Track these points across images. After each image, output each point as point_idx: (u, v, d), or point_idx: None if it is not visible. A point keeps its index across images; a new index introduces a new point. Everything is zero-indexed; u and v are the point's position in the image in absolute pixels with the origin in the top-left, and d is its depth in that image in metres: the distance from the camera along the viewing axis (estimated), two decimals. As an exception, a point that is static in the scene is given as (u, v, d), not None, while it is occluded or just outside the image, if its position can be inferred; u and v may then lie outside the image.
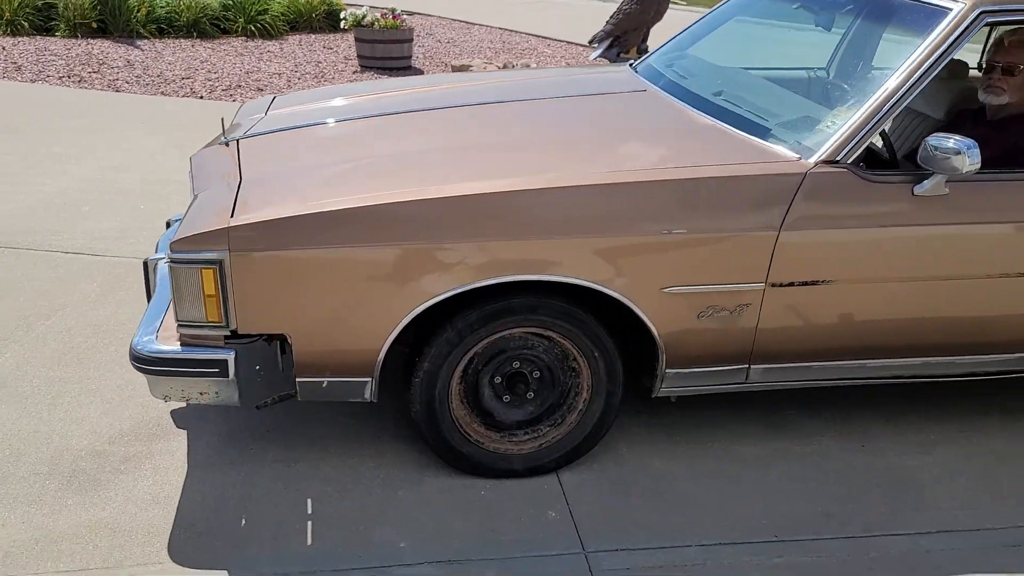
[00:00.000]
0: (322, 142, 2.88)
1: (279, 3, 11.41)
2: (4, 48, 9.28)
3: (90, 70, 8.61)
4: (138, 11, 10.36)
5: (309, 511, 2.47)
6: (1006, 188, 2.54)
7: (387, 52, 9.35)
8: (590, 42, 9.41)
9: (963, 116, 3.15)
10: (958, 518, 2.56)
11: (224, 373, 2.30)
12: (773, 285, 2.45)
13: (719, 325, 2.48)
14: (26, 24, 10.01)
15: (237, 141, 2.90)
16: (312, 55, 10.04)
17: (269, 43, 10.62)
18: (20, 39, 9.77)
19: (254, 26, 10.92)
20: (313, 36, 11.19)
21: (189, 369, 2.31)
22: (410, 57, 9.63)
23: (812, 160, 2.46)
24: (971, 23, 2.50)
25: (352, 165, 2.60)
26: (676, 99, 3.00)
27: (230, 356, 2.30)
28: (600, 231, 2.33)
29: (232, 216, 2.29)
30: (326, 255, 2.25)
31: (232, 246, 2.23)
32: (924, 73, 2.48)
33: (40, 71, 8.43)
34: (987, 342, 2.69)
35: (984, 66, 3.03)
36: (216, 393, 2.35)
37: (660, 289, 2.40)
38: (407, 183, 2.39)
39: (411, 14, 14.25)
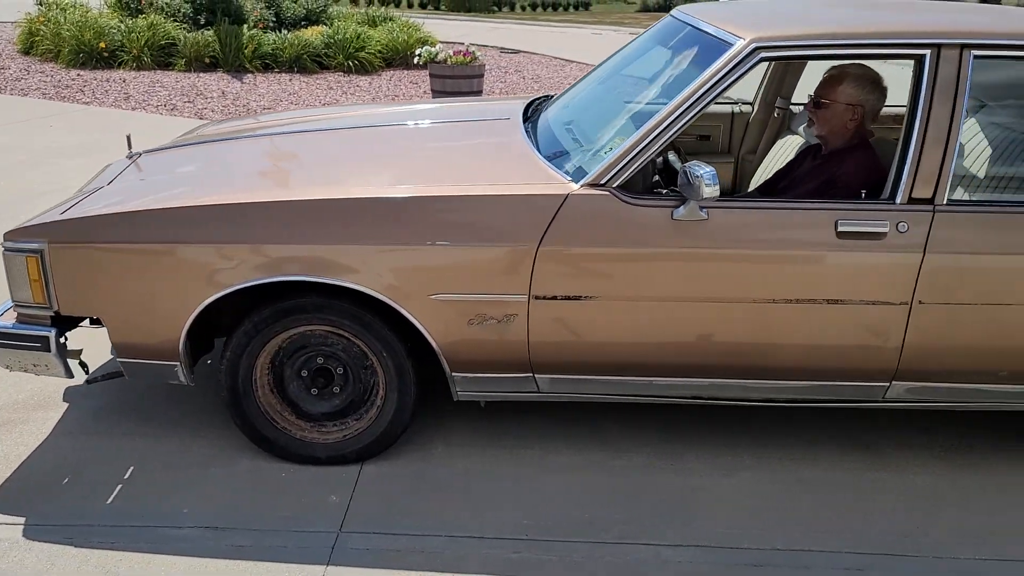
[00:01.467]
0: (197, 156, 3.26)
1: (378, 41, 12.14)
2: (125, 80, 10.34)
3: (186, 100, 9.50)
4: (247, 48, 11.31)
5: (126, 477, 2.80)
6: (762, 216, 2.60)
7: (457, 87, 9.81)
8: None
9: (808, 150, 3.20)
10: (720, 536, 2.61)
11: (47, 348, 2.69)
12: (537, 297, 2.62)
13: (491, 333, 2.67)
14: (149, 59, 11.10)
15: (139, 154, 3.32)
16: (396, 89, 10.65)
17: (362, 78, 11.33)
18: (142, 72, 10.86)
19: (351, 62, 11.67)
20: (405, 72, 11.84)
21: (20, 343, 2.71)
22: (480, 91, 10.06)
23: (578, 183, 2.62)
24: (745, 58, 2.60)
25: (200, 175, 2.96)
26: (521, 127, 3.20)
27: (51, 333, 2.69)
28: (371, 239, 2.58)
29: (62, 214, 2.69)
30: (126, 250, 2.61)
31: (50, 239, 2.62)
32: (693, 105, 2.60)
33: (144, 100, 9.37)
34: (768, 367, 2.73)
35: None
36: (46, 366, 2.74)
37: (428, 296, 2.62)
38: (218, 190, 2.72)
39: (515, 52, 14.78)
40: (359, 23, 13.44)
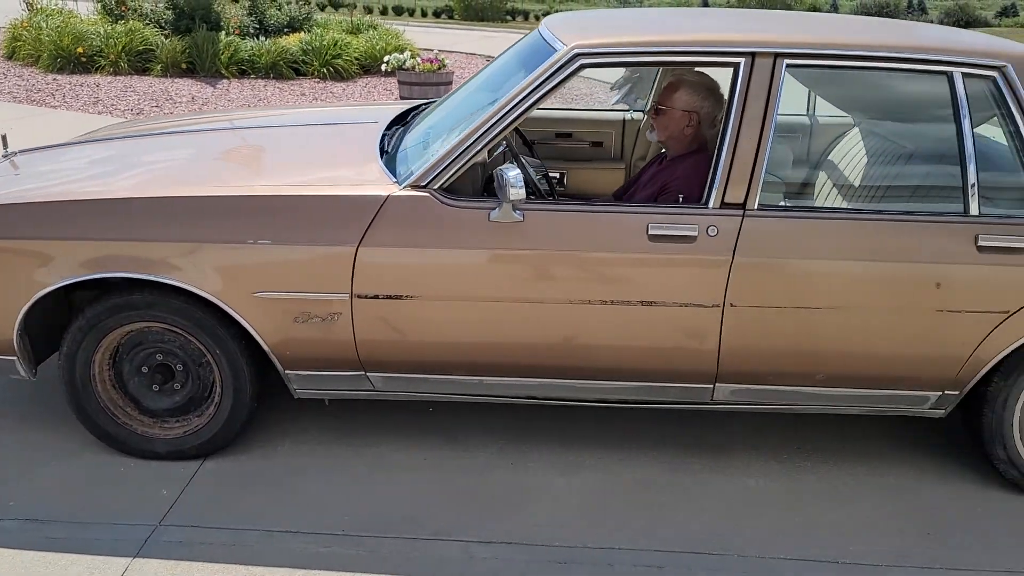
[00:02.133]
0: (63, 155, 3.32)
1: (356, 48, 12.23)
2: (99, 85, 10.48)
3: (154, 105, 9.61)
4: (223, 54, 11.42)
5: (-33, 468, 2.87)
6: (577, 219, 2.65)
7: (424, 93, 9.88)
8: (611, 88, 9.58)
9: (658, 156, 3.25)
10: (535, 534, 2.65)
11: None
12: (359, 296, 2.67)
13: (317, 332, 2.72)
14: (126, 65, 11.24)
15: (15, 153, 3.39)
16: (368, 95, 10.73)
17: (338, 84, 11.41)
18: (118, 78, 11.00)
19: (328, 69, 11.76)
20: (380, 79, 11.92)
21: None
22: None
23: (402, 185, 2.67)
24: (565, 64, 2.65)
25: (50, 173, 3.04)
26: (380, 132, 3.25)
27: None
28: (194, 237, 2.64)
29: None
30: (-42, 247, 2.68)
31: None
32: (512, 110, 2.65)
33: (112, 105, 9.49)
34: (594, 368, 2.77)
35: (652, 107, 3.14)
36: None
37: (252, 294, 2.67)
38: (54, 188, 2.79)
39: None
40: (343, 31, 13.55)
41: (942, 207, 2.67)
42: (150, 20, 12.46)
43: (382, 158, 2.94)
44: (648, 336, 2.69)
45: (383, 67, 10.16)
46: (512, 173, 2.52)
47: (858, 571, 2.55)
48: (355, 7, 20.71)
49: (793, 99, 3.40)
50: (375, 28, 14.23)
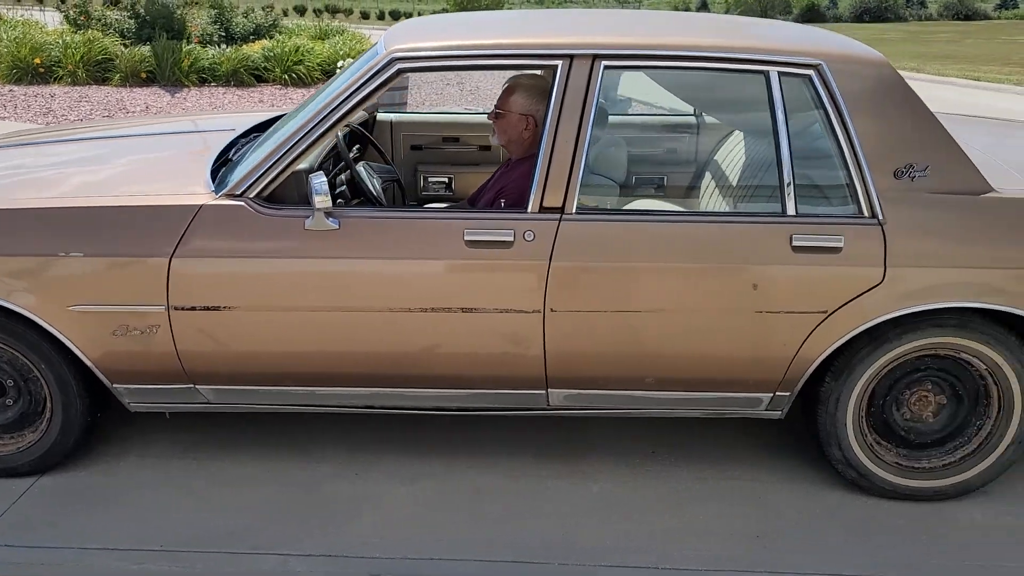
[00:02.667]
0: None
1: (318, 54, 12.22)
2: (53, 95, 10.48)
3: (106, 114, 9.60)
4: (183, 62, 11.42)
5: None
6: (394, 225, 2.61)
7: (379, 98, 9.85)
8: None
9: (506, 160, 3.21)
10: (359, 546, 2.61)
11: None
12: (176, 308, 2.63)
13: (137, 344, 2.69)
14: (83, 75, 11.23)
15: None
16: (323, 101, 10.69)
17: (299, 91, 11.39)
18: (75, 88, 10.99)
19: (289, 75, 11.75)
20: (341, 84, 11.87)
21: None
22: (404, 103, 10.09)
23: (217, 194, 2.64)
24: (381, 70, 2.62)
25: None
26: (225, 142, 3.22)
27: None
28: (5, 251, 2.61)
29: None
30: None
31: None
32: (328, 116, 2.61)
33: (63, 115, 9.49)
34: (425, 376, 2.73)
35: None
36: None
37: (67, 307, 2.64)
38: None
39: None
40: (309, 37, 13.54)
41: (760, 207, 2.64)
42: (114, 30, 12.47)
43: (227, 167, 2.90)
44: (472, 343, 2.66)
45: (337, 70, 10.13)
46: (317, 180, 2.48)
47: (675, 577, 2.51)
48: (330, 12, 20.68)
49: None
50: (341, 34, 14.22)
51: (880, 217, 2.54)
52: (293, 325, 2.65)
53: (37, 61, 11.21)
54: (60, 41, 11.58)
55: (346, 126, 3.30)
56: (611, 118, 3.32)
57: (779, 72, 2.58)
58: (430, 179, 4.12)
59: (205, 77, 11.54)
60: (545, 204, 2.59)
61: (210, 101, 10.45)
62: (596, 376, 2.70)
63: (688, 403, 2.77)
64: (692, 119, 3.46)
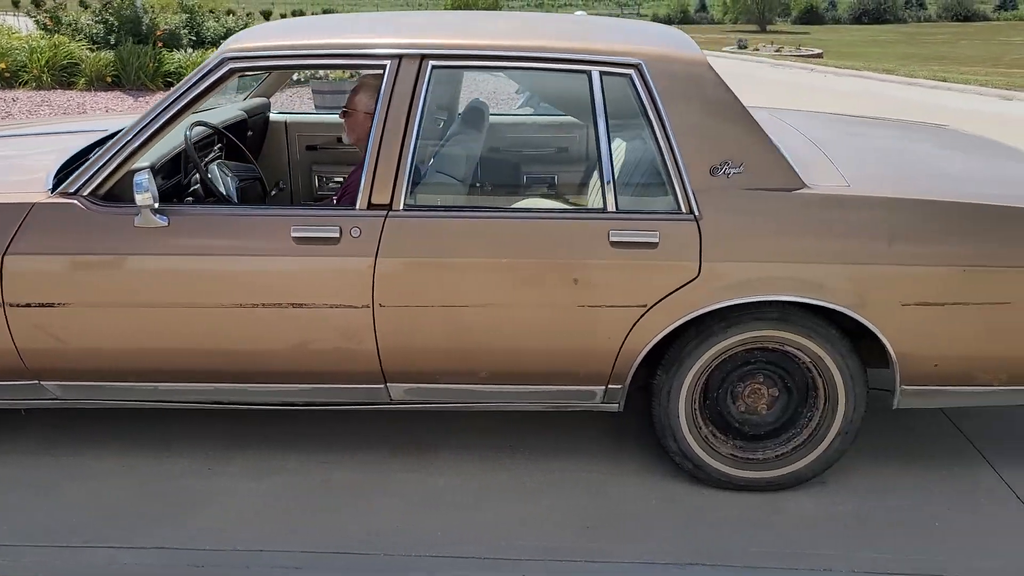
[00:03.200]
0: None
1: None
2: (16, 99, 10.56)
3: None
4: (148, 66, 11.49)
5: None
6: (222, 222, 2.66)
7: (337, 102, 9.92)
8: (516, 92, 9.64)
9: (363, 156, 3.26)
10: (192, 538, 2.65)
11: None
12: (11, 305, 2.68)
13: (-18, 342, 2.73)
14: (48, 79, 11.31)
15: None
16: (285, 104, 10.74)
17: (263, 94, 11.39)
18: (39, 92, 11.07)
19: (254, 78, 11.78)
20: (299, 88, 11.92)
21: None
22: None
23: (52, 193, 2.69)
24: (213, 70, 2.67)
25: None
26: (90, 142, 3.27)
27: None
28: None
29: None
30: None
31: None
32: (161, 115, 2.67)
33: (23, 119, 9.55)
34: (261, 372, 2.78)
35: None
36: None
37: (-92, 305, 2.69)
38: None
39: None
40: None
41: (583, 203, 2.68)
42: (83, 35, 12.54)
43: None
44: (304, 339, 2.70)
45: (296, 77, 10.21)
46: (140, 178, 2.53)
47: (490, 567, 2.55)
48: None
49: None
50: None
51: (696, 213, 2.59)
52: (129, 321, 2.70)
53: (2, 66, 11.28)
54: (27, 46, 11.66)
55: (204, 125, 3.35)
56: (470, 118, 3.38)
57: (600, 72, 2.63)
58: (325, 179, 4.18)
59: (171, 80, 11.61)
60: (373, 201, 2.64)
61: (172, 105, 10.48)
62: (430, 371, 2.75)
63: (524, 396, 2.81)
64: (562, 119, 3.50)
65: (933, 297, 2.58)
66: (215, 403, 2.90)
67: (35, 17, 13.34)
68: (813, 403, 2.79)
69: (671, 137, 2.58)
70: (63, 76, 11.50)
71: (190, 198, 3.04)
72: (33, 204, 2.67)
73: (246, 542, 2.65)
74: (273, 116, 4.16)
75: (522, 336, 2.67)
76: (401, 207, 2.64)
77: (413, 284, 2.64)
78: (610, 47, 2.66)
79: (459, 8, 26.81)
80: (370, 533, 2.69)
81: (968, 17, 42.95)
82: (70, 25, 12.98)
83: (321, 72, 10.01)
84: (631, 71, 2.62)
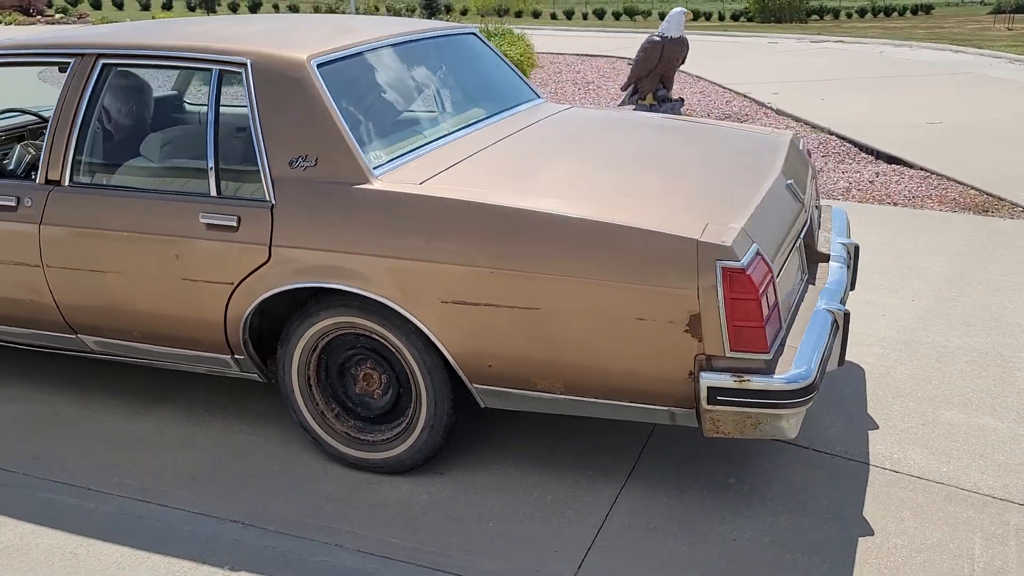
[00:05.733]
0: None
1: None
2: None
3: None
4: None
5: None
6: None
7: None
8: (621, 88, 9.73)
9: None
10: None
11: None
12: None
13: None
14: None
15: None
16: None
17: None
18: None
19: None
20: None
21: None
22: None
23: None
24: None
25: None
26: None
27: None
28: None
29: None
30: None
31: None
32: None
33: None
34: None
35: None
36: None
37: None
38: None
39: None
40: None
41: (193, 187, 2.97)
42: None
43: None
44: (12, 292, 3.23)
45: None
46: None
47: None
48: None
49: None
50: (507, 35, 14.99)
51: (272, 201, 2.81)
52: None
53: None
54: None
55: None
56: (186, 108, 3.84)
57: (220, 69, 2.93)
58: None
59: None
60: (49, 177, 3.12)
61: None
62: (97, 326, 3.18)
63: (174, 357, 3.15)
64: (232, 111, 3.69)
65: (468, 296, 2.61)
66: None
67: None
68: (409, 391, 2.88)
69: (260, 129, 2.82)
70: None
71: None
72: None
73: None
74: None
75: (149, 301, 3.03)
76: (67, 183, 3.09)
77: (66, 248, 3.08)
78: (228, 47, 2.94)
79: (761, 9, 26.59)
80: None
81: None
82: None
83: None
84: (241, 69, 2.89)
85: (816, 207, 3.43)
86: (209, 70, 2.95)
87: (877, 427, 3.23)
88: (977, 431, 3.20)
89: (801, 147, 3.63)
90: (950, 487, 2.87)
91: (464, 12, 31.62)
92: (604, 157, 3.17)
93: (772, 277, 2.50)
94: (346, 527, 2.74)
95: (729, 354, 2.42)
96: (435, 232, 2.63)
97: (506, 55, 12.70)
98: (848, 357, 3.71)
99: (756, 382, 2.39)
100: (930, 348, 3.86)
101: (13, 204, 3.13)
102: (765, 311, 2.41)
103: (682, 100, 9.39)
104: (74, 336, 3.27)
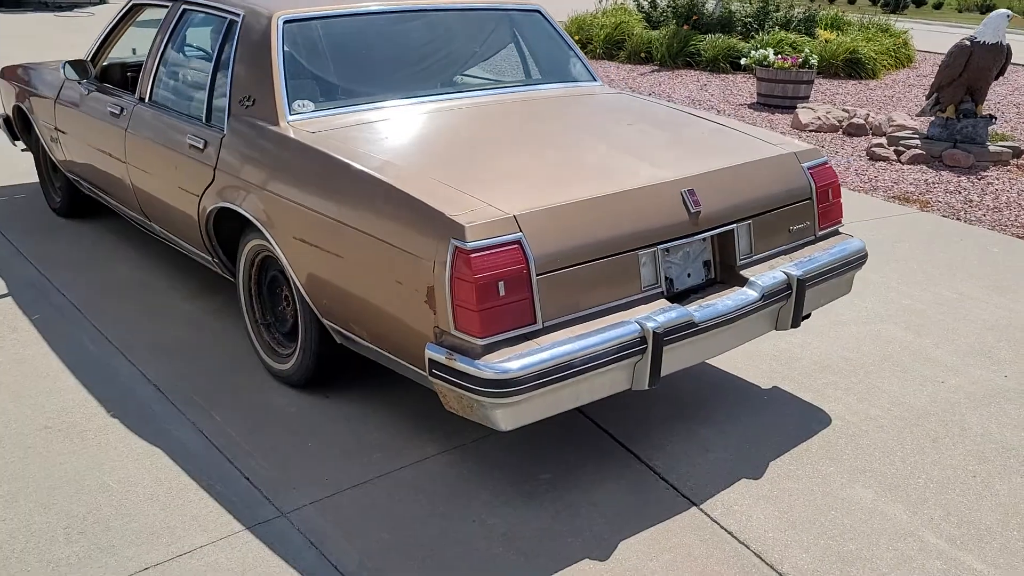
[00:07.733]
0: None
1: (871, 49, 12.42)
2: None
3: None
4: (673, 46, 12.97)
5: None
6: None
7: (784, 91, 10.26)
8: (925, 97, 8.96)
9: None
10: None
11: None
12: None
13: None
14: (599, 51, 13.57)
15: None
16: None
17: (850, 82, 12.00)
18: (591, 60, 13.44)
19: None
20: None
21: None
22: (807, 97, 10.37)
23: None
24: None
25: None
26: None
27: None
28: None
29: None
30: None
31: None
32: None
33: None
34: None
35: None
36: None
37: None
38: None
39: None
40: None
41: (193, 111, 3.59)
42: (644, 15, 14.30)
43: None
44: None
45: (742, 62, 10.72)
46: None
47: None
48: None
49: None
50: (886, 30, 14.11)
51: (224, 132, 3.35)
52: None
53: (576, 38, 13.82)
54: (597, 22, 14.01)
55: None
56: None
57: (230, 19, 3.51)
58: None
59: (689, 61, 12.85)
60: (140, 95, 3.98)
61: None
62: (155, 216, 3.99)
63: (191, 251, 3.86)
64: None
65: (308, 237, 2.91)
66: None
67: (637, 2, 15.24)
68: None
69: (232, 70, 3.37)
70: (612, 49, 13.61)
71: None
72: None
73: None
74: None
75: (167, 201, 3.75)
76: (147, 101, 3.92)
77: (135, 149, 3.92)
78: (242, 3, 3.49)
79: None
80: None
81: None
82: (655, 8, 14.69)
83: (770, 59, 10.28)
84: (238, 19, 3.45)
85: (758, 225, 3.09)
86: (224, 19, 3.54)
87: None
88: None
89: (804, 167, 3.27)
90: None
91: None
92: (536, 137, 3.25)
93: (525, 270, 2.46)
94: (217, 412, 3.21)
95: (453, 332, 2.46)
96: (299, 176, 2.97)
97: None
98: None
99: (460, 363, 2.41)
100: None
101: (118, 111, 4.03)
102: (488, 298, 2.40)
103: (993, 118, 8.13)
104: (144, 220, 4.11)
